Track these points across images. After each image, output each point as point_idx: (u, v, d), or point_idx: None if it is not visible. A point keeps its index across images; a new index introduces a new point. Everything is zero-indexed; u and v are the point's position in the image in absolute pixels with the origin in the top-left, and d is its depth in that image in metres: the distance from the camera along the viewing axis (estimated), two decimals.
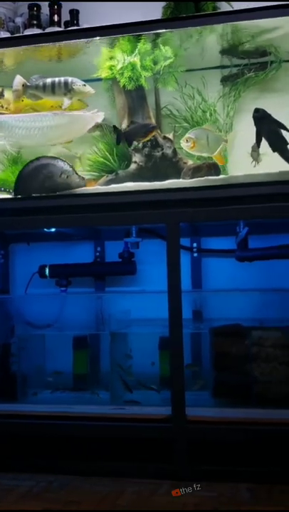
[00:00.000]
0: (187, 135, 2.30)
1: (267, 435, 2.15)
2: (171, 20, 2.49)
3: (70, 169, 2.46)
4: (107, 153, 2.66)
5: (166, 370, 2.38)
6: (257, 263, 2.64)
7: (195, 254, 2.86)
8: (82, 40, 2.50)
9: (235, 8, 2.62)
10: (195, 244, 2.87)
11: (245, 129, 2.38)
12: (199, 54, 2.59)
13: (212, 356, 2.46)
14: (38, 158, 2.51)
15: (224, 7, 2.75)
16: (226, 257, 2.78)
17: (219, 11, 2.66)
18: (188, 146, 2.29)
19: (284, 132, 2.27)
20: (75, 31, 2.61)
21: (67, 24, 3.01)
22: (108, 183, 2.53)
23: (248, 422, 2.20)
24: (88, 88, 2.48)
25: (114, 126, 2.52)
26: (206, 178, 2.39)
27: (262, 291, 2.65)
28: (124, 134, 2.48)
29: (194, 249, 2.86)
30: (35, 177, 2.47)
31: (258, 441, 2.16)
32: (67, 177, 2.40)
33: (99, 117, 2.53)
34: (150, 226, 2.61)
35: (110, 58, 2.55)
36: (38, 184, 2.46)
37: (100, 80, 2.62)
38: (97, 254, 2.93)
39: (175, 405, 2.21)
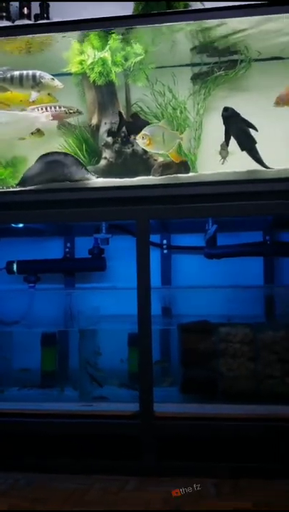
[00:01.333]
0: (143, 132, 2.31)
1: (233, 430, 2.18)
2: (142, 16, 2.48)
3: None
4: (77, 149, 2.64)
5: (135, 367, 2.39)
6: (226, 260, 2.66)
7: (165, 251, 2.88)
8: (53, 34, 2.48)
9: (206, 7, 2.63)
10: (165, 241, 2.88)
11: (215, 127, 2.38)
12: (170, 51, 2.60)
13: (180, 352, 2.48)
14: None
15: (195, 5, 2.75)
16: (195, 253, 2.80)
17: (190, 8, 2.66)
18: (144, 143, 2.30)
19: (252, 131, 2.28)
20: (45, 25, 2.59)
21: (37, 17, 2.97)
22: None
23: (215, 417, 2.22)
24: (56, 82, 2.45)
25: (120, 113, 2.48)
26: (175, 175, 2.40)
27: (230, 287, 2.68)
28: (128, 124, 2.46)
29: (164, 246, 2.87)
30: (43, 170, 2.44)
31: (224, 436, 2.18)
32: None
33: (41, 118, 2.50)
34: (120, 222, 2.61)
35: (81, 53, 2.53)
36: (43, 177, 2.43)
37: (70, 74, 2.60)
38: (67, 250, 2.92)
39: (143, 401, 2.22)
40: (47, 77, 2.43)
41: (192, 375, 2.41)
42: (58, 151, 2.48)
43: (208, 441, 2.19)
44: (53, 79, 2.44)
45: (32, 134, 2.53)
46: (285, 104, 2.27)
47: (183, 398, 2.39)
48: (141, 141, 2.30)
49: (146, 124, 2.40)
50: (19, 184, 2.43)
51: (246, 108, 2.36)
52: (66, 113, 2.56)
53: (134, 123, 2.47)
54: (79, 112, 2.59)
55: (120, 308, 2.53)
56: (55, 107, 2.53)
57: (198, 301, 2.66)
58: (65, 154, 2.44)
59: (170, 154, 2.36)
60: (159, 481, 2.13)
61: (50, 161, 2.41)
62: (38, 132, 2.54)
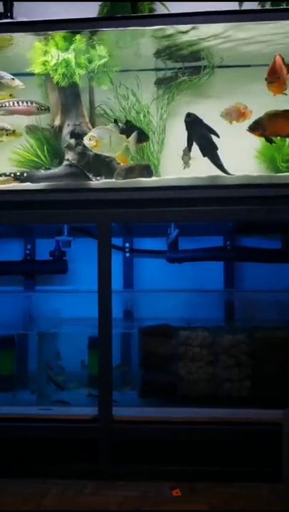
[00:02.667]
0: (90, 133, 2.31)
1: (191, 434, 2.19)
2: (107, 19, 2.48)
3: None
4: (38, 150, 2.62)
5: (95, 370, 2.38)
6: (188, 264, 2.68)
7: (127, 254, 2.87)
8: (16, 33, 2.45)
9: (171, 12, 2.65)
10: (127, 244, 2.88)
11: (178, 132, 2.40)
12: (134, 55, 2.60)
13: (140, 356, 2.48)
14: None
15: (160, 10, 2.77)
16: (157, 257, 2.81)
17: (155, 13, 2.67)
18: (91, 145, 2.30)
19: (214, 137, 2.31)
20: (8, 24, 2.55)
21: (0, 16, 2.93)
22: (39, 180, 2.49)
23: (174, 421, 2.23)
24: (17, 82, 2.42)
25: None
26: (138, 179, 2.41)
27: (191, 291, 2.70)
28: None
29: (126, 249, 2.87)
30: None
31: (182, 440, 2.20)
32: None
33: None
34: (82, 225, 2.60)
35: (44, 53, 2.51)
36: None
37: (32, 74, 2.57)
38: (27, 252, 2.88)
39: (102, 405, 2.21)
40: (7, 77, 2.40)
41: (151, 378, 2.42)
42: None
43: (166, 444, 2.20)
44: (13, 79, 2.41)
45: (7, 135, 2.49)
46: (233, 119, 2.30)
47: (142, 402, 2.39)
48: (88, 142, 2.30)
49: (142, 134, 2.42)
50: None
51: (209, 114, 2.38)
52: (38, 109, 2.53)
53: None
54: (49, 110, 2.57)
55: (81, 312, 2.51)
56: (27, 102, 2.49)
57: (160, 304, 2.67)
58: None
59: (117, 157, 2.37)
60: (116, 484, 2.13)
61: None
62: (14, 133, 2.50)
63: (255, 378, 2.34)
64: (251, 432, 2.17)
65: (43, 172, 2.51)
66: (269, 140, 2.28)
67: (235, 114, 2.31)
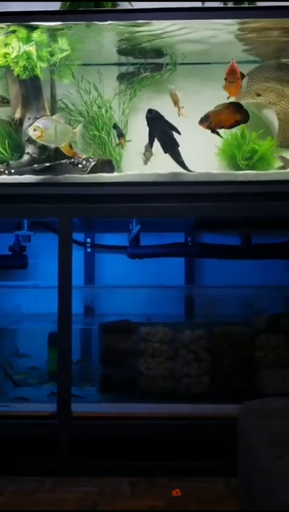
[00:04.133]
0: (35, 124, 2.29)
1: (150, 429, 2.21)
2: (69, 13, 2.45)
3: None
4: None
5: (55, 366, 2.36)
6: (150, 260, 2.68)
7: (88, 250, 2.86)
8: None
9: (134, 7, 2.64)
10: (89, 240, 2.86)
11: (141, 128, 2.40)
12: (97, 49, 2.58)
13: (100, 352, 2.48)
14: None
15: (124, 5, 2.76)
16: (119, 253, 2.80)
17: (118, 8, 2.66)
18: (36, 135, 2.28)
19: (176, 134, 2.32)
20: None
21: None
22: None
23: (133, 416, 2.24)
24: None
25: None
26: (100, 174, 2.40)
27: (152, 287, 2.71)
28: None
29: (88, 245, 2.85)
30: None
31: (141, 435, 2.20)
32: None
33: None
34: (43, 220, 2.58)
35: (5, 45, 2.46)
36: None
37: None
38: None
39: (60, 401, 2.20)
40: None
41: (111, 374, 2.42)
42: None
43: (125, 440, 2.20)
44: None
45: None
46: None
47: (101, 398, 2.39)
48: (32, 133, 2.28)
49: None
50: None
51: (171, 111, 2.39)
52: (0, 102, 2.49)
53: None
54: (10, 103, 2.53)
55: (42, 307, 2.49)
56: None
57: (121, 300, 2.68)
58: None
59: (63, 148, 2.36)
60: (75, 481, 2.13)
61: None
62: None
63: (214, 373, 2.37)
64: (209, 426, 2.20)
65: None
66: (215, 132, 2.30)
67: None
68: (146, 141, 2.39)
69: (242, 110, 2.30)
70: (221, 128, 2.31)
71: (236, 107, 2.28)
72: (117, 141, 2.56)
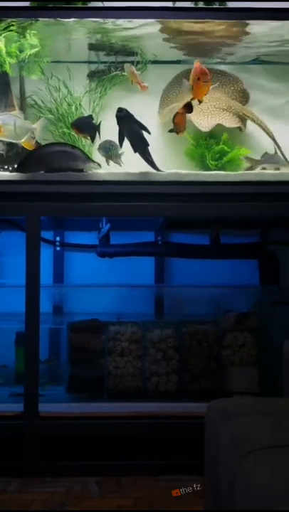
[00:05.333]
0: None
1: (118, 428, 2.20)
2: (39, 9, 2.42)
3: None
4: None
5: (22, 366, 2.34)
6: (120, 258, 2.68)
7: (58, 248, 2.84)
8: None
9: (105, 5, 2.62)
10: (58, 238, 2.84)
11: (111, 127, 2.39)
12: (67, 46, 2.57)
13: (68, 351, 2.46)
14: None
15: (95, 1, 2.74)
16: (88, 251, 2.79)
17: (89, 5, 2.64)
18: None
19: (146, 134, 2.31)
20: None
21: None
22: None
23: (101, 416, 2.23)
24: None
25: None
26: (69, 172, 2.38)
27: (121, 286, 2.71)
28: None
29: (57, 243, 2.83)
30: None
31: (109, 434, 2.20)
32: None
33: None
34: (10, 218, 2.55)
35: None
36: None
37: None
38: None
39: (27, 401, 2.18)
40: None
41: (79, 373, 2.41)
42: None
43: (93, 440, 2.20)
44: None
45: None
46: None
47: (69, 397, 2.38)
48: None
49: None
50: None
51: (141, 110, 2.39)
52: None
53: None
54: None
55: (9, 306, 2.46)
56: None
57: (90, 299, 2.66)
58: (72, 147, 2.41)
59: (23, 143, 2.34)
60: (42, 481, 2.11)
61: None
62: None
63: (182, 372, 2.38)
64: (177, 425, 2.21)
65: None
66: (175, 131, 2.32)
67: None
68: (117, 139, 2.38)
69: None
70: (177, 131, 2.33)
71: (190, 108, 2.29)
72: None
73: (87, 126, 2.42)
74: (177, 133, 2.33)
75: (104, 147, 2.41)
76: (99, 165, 2.40)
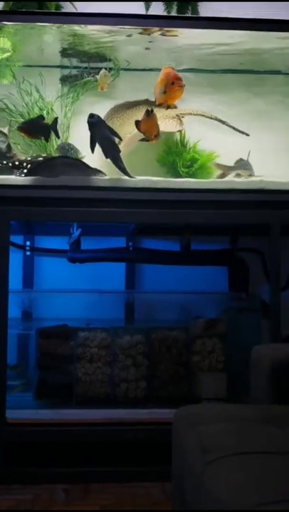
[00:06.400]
0: None
1: (86, 435, 2.19)
2: (12, 13, 2.42)
3: None
4: None
5: None
6: (91, 264, 2.67)
7: (28, 253, 2.82)
8: None
9: (78, 11, 2.63)
10: (28, 243, 2.82)
11: (83, 132, 2.39)
12: (39, 51, 2.56)
13: (37, 357, 2.44)
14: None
15: (68, 7, 2.74)
16: (59, 257, 2.78)
17: (62, 10, 2.64)
18: None
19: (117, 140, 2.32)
20: None
21: None
22: None
23: (69, 422, 2.22)
24: None
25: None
26: (39, 177, 2.36)
27: (91, 292, 2.70)
28: None
29: (27, 248, 2.81)
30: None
31: (77, 441, 2.19)
32: None
33: None
34: None
35: None
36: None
37: None
38: None
39: None
40: None
41: (48, 380, 2.39)
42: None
43: (61, 446, 2.18)
44: None
45: None
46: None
47: (37, 404, 2.36)
48: None
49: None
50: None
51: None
52: None
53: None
54: None
55: None
56: None
57: (60, 305, 2.65)
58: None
59: None
60: (9, 488, 2.08)
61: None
62: None
63: (151, 378, 2.38)
64: (146, 432, 2.21)
65: None
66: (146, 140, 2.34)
67: None
68: (88, 144, 2.38)
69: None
70: (146, 138, 2.34)
71: (148, 114, 2.30)
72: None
73: (39, 128, 2.40)
74: (149, 140, 2.34)
75: (62, 148, 2.40)
76: (104, 174, 2.39)
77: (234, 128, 2.56)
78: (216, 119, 2.58)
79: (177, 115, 2.62)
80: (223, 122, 2.57)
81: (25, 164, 2.38)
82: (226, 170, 2.55)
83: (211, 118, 2.59)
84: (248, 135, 2.56)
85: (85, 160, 2.40)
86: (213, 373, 2.40)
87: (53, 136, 2.45)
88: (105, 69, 2.52)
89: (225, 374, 2.40)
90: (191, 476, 1.25)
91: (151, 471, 2.14)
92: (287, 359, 1.62)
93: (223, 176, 2.55)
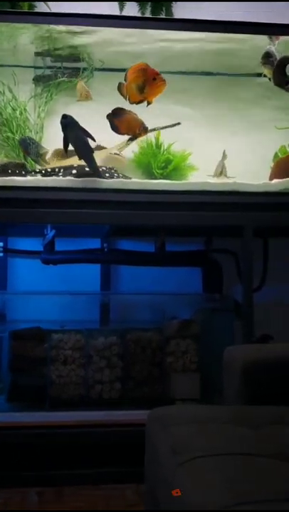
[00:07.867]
0: None
1: (60, 438, 2.18)
2: None
3: None
4: None
5: None
6: (66, 265, 2.66)
7: (0, 254, 2.79)
8: None
9: (52, 11, 2.61)
10: (1, 244, 2.79)
11: (56, 132, 2.37)
12: (12, 50, 2.54)
13: (10, 360, 2.42)
14: None
15: (41, 6, 2.72)
16: (33, 258, 2.75)
17: (35, 10, 2.62)
18: None
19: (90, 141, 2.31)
20: None
21: None
22: None
23: (42, 425, 2.20)
24: None
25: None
26: (12, 178, 2.34)
27: (66, 293, 2.68)
28: None
29: (0, 249, 2.78)
30: None
31: (50, 444, 2.17)
32: None
33: None
34: None
35: None
36: None
37: None
38: None
39: None
40: None
41: (21, 382, 2.37)
42: None
43: (34, 449, 2.16)
44: None
45: None
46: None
47: (10, 407, 2.33)
48: None
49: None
50: None
51: (87, 117, 2.38)
52: None
53: None
54: None
55: None
56: None
57: (34, 307, 2.62)
58: None
59: None
60: None
61: None
62: None
63: (126, 380, 2.38)
64: (120, 433, 2.20)
65: None
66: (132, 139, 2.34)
67: None
68: (61, 145, 2.37)
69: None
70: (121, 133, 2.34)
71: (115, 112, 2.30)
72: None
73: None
74: (136, 137, 2.34)
75: (24, 142, 2.39)
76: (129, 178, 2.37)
77: (165, 126, 2.54)
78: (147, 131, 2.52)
79: (115, 153, 2.61)
80: (155, 129, 2.57)
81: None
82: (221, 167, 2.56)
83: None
84: (179, 123, 2.53)
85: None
86: (186, 374, 2.40)
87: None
88: (79, 69, 2.51)
89: (198, 374, 2.41)
90: (163, 478, 1.25)
91: (126, 472, 2.13)
92: (259, 360, 1.64)
93: (220, 173, 2.55)
